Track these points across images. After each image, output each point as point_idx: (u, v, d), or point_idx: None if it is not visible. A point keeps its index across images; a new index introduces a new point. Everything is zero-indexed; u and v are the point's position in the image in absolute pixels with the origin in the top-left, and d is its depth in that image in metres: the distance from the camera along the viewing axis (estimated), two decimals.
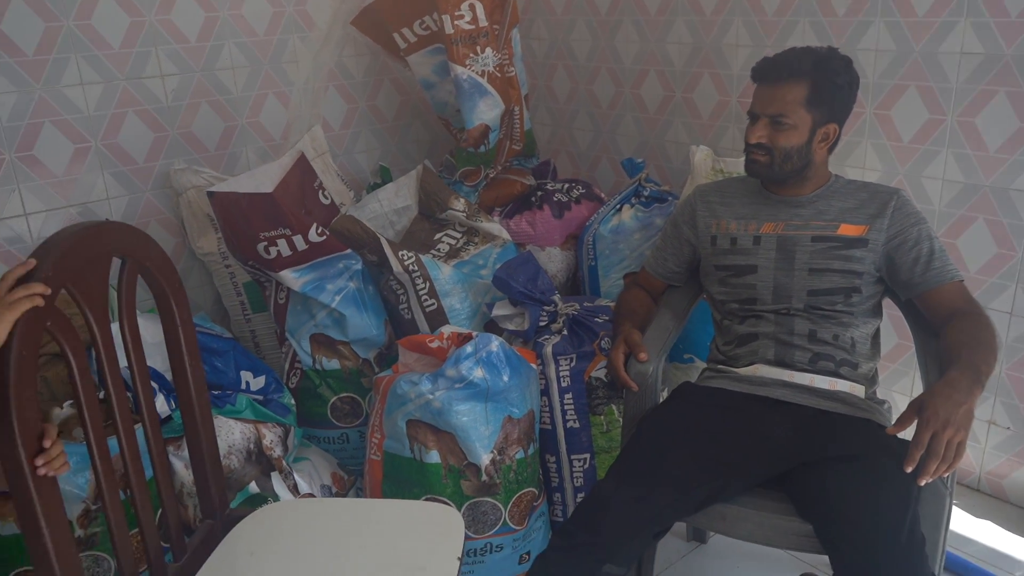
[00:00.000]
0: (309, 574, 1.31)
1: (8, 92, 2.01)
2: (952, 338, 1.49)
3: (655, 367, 1.64)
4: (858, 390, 1.60)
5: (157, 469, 1.35)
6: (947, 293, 1.57)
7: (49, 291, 1.03)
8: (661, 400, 1.72)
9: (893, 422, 1.40)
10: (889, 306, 1.75)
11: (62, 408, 1.75)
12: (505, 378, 1.77)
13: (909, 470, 1.31)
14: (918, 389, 2.16)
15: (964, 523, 2.07)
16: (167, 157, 2.33)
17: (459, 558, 1.32)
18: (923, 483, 1.31)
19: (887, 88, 2.08)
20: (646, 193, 2.44)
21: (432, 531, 1.40)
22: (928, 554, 1.30)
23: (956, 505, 2.14)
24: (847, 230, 1.63)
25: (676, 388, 1.72)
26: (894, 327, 2.18)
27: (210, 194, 2.03)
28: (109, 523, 1.20)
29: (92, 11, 2.10)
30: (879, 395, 1.69)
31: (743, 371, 1.65)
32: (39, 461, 1.01)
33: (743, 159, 2.17)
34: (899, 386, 2.25)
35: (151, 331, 2.06)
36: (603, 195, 2.65)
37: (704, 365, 2.16)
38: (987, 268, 2.02)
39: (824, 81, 1.57)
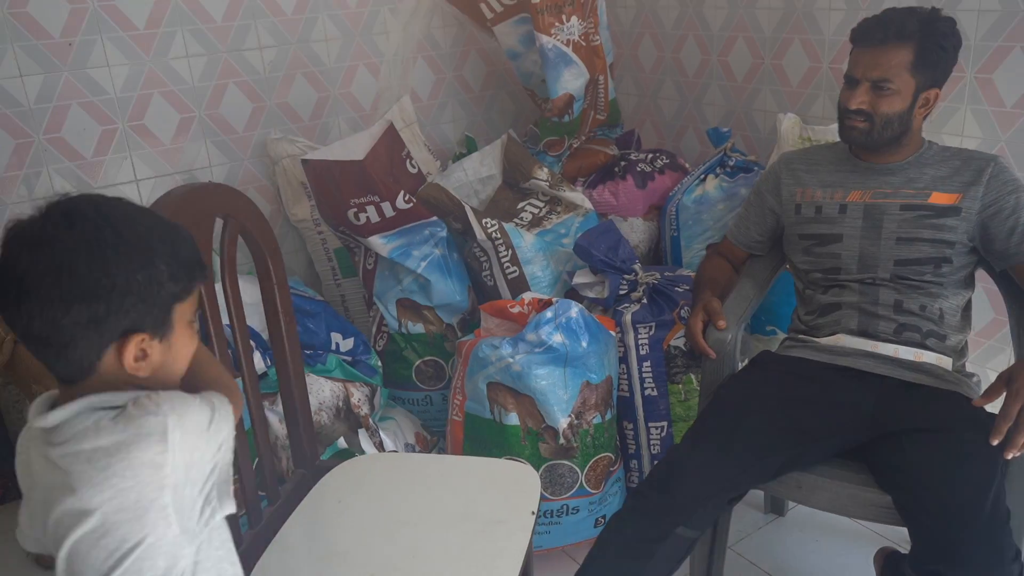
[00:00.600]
0: (393, 520, 1.38)
1: (121, 64, 2.14)
2: None
3: (734, 335, 1.64)
4: (945, 362, 1.56)
5: (255, 420, 1.44)
6: None
7: None
8: (740, 369, 1.72)
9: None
10: (987, 280, 1.70)
11: None
12: (584, 344, 1.80)
13: (995, 443, 1.28)
14: None
15: None
16: (264, 127, 2.43)
17: (534, 512, 1.37)
18: (1010, 456, 1.28)
19: (990, 50, 1.99)
20: (731, 163, 2.41)
21: (510, 487, 1.45)
22: (1013, 528, 1.27)
23: None
24: (939, 198, 1.58)
25: (755, 356, 1.71)
26: (991, 301, 2.10)
27: (304, 162, 2.11)
28: None
29: None
30: (968, 368, 1.65)
31: (824, 341, 1.64)
32: None
33: (831, 127, 2.13)
34: (994, 363, 2.17)
35: (248, 292, 2.17)
36: (687, 165, 2.63)
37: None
38: None
39: (930, 44, 1.52)
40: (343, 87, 2.56)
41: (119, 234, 0.84)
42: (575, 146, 2.62)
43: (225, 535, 0.94)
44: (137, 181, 2.25)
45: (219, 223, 1.33)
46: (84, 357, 0.84)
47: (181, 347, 0.91)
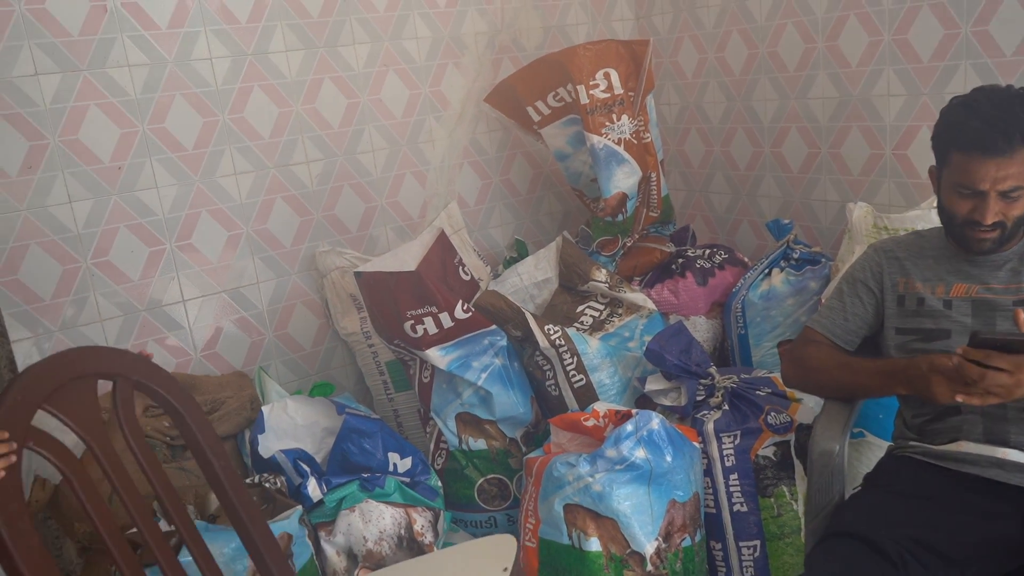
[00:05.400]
0: None
1: (170, 185, 2.11)
2: None
3: (841, 445, 1.49)
4: None
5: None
6: None
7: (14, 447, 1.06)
8: (847, 482, 1.55)
9: None
10: None
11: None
12: (668, 458, 1.66)
13: None
14: None
15: None
16: (312, 240, 2.38)
17: None
18: None
19: None
20: (796, 255, 2.31)
21: None
22: None
23: None
24: None
25: (869, 474, 1.55)
26: None
27: (357, 274, 2.04)
28: None
29: (244, 105, 2.20)
30: None
31: (941, 448, 1.47)
32: None
33: (908, 215, 2.02)
34: None
35: (302, 413, 2.07)
36: (747, 260, 2.53)
37: (874, 440, 1.96)
38: None
39: None
40: (390, 196, 2.51)
41: None
42: (629, 245, 2.54)
43: None
44: (184, 301, 2.18)
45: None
46: None
47: None
